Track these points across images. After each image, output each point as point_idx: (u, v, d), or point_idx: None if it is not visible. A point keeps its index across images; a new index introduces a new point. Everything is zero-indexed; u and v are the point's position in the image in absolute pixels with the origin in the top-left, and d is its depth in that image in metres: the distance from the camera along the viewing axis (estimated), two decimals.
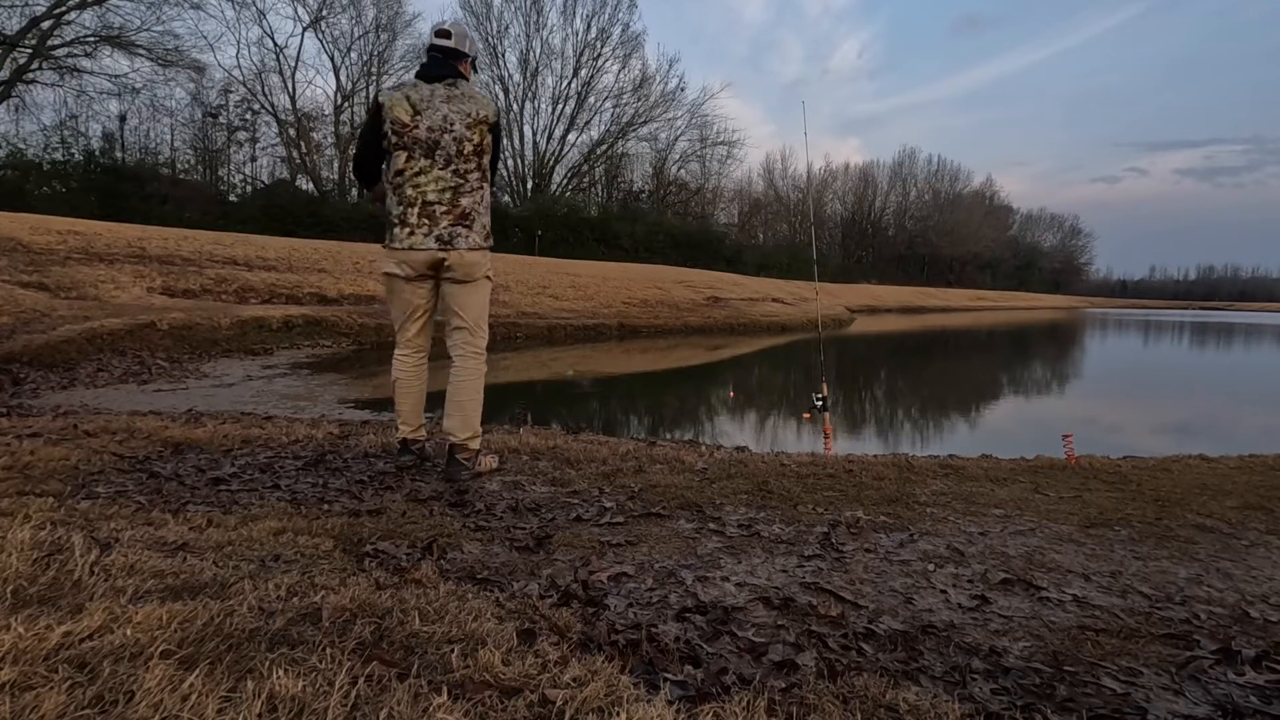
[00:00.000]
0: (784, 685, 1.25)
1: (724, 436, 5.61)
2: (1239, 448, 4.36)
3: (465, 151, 2.84)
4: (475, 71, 3.15)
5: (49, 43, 23.35)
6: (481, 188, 2.91)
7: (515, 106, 39.59)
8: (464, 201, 2.84)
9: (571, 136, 41.14)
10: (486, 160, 2.93)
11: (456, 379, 2.92)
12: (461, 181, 2.84)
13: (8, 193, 19.61)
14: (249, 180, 33.87)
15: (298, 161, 34.09)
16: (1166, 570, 2.03)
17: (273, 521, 2.04)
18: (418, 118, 2.81)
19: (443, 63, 2.91)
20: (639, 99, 41.47)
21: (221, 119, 32.06)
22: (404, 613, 1.32)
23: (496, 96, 38.75)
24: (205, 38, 36.72)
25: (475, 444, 2.89)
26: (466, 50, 2.99)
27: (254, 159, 34.57)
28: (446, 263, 2.83)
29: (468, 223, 2.85)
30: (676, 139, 44.07)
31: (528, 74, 39.47)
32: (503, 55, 38.89)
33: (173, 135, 30.87)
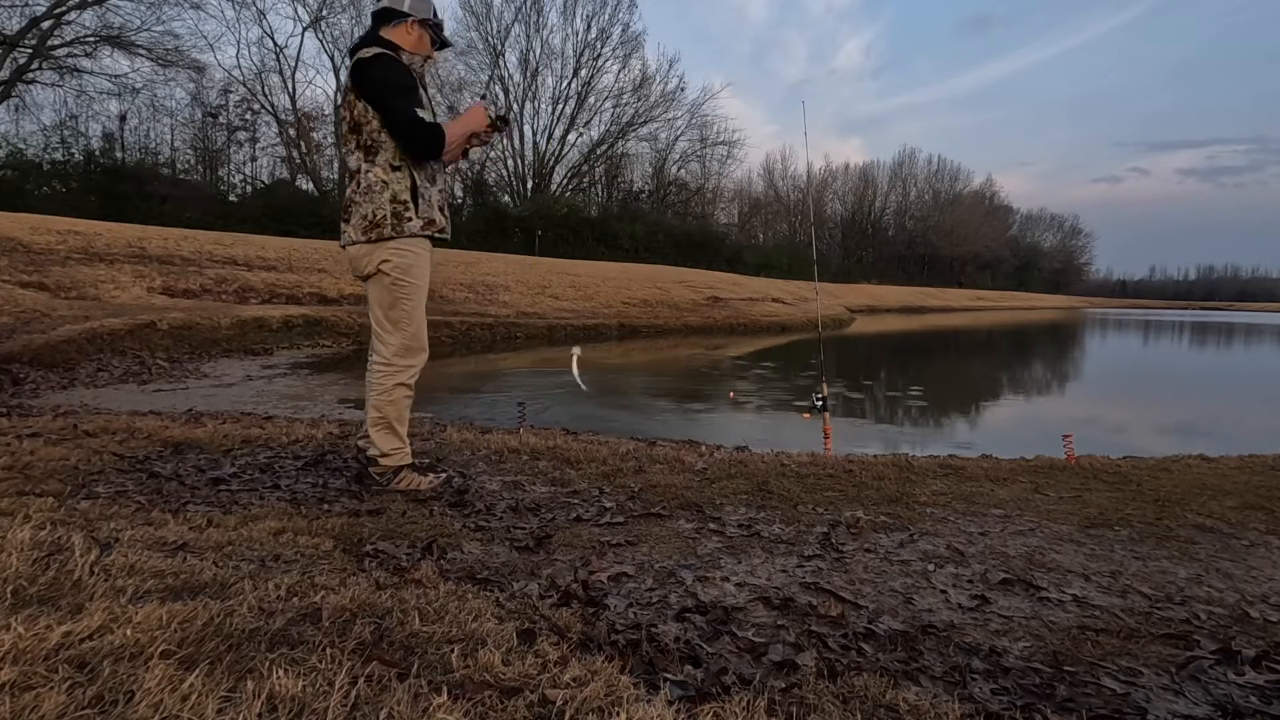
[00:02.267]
0: (784, 685, 1.25)
1: (724, 436, 5.61)
2: (1239, 448, 4.36)
3: (344, 133, 2.55)
4: (438, 43, 2.69)
5: (49, 43, 23.36)
6: (359, 170, 2.51)
7: (515, 106, 39.57)
8: (348, 193, 2.56)
9: (571, 136, 41.20)
10: (366, 134, 2.47)
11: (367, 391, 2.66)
12: (349, 171, 2.57)
13: (8, 193, 19.61)
14: (249, 180, 33.89)
15: (298, 161, 34.10)
16: (1166, 570, 2.03)
17: (273, 521, 2.04)
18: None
19: (364, 36, 2.59)
20: (639, 99, 41.56)
21: (221, 119, 32.07)
22: (404, 613, 1.32)
23: (497, 96, 38.75)
24: (205, 38, 36.73)
25: (388, 462, 2.58)
26: (402, 8, 2.55)
27: (254, 159, 34.59)
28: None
29: (346, 216, 2.56)
30: (676, 139, 44.17)
31: (528, 74, 39.51)
32: (502, 55, 38.96)
33: (173, 135, 30.90)
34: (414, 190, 2.53)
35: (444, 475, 2.71)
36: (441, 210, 2.63)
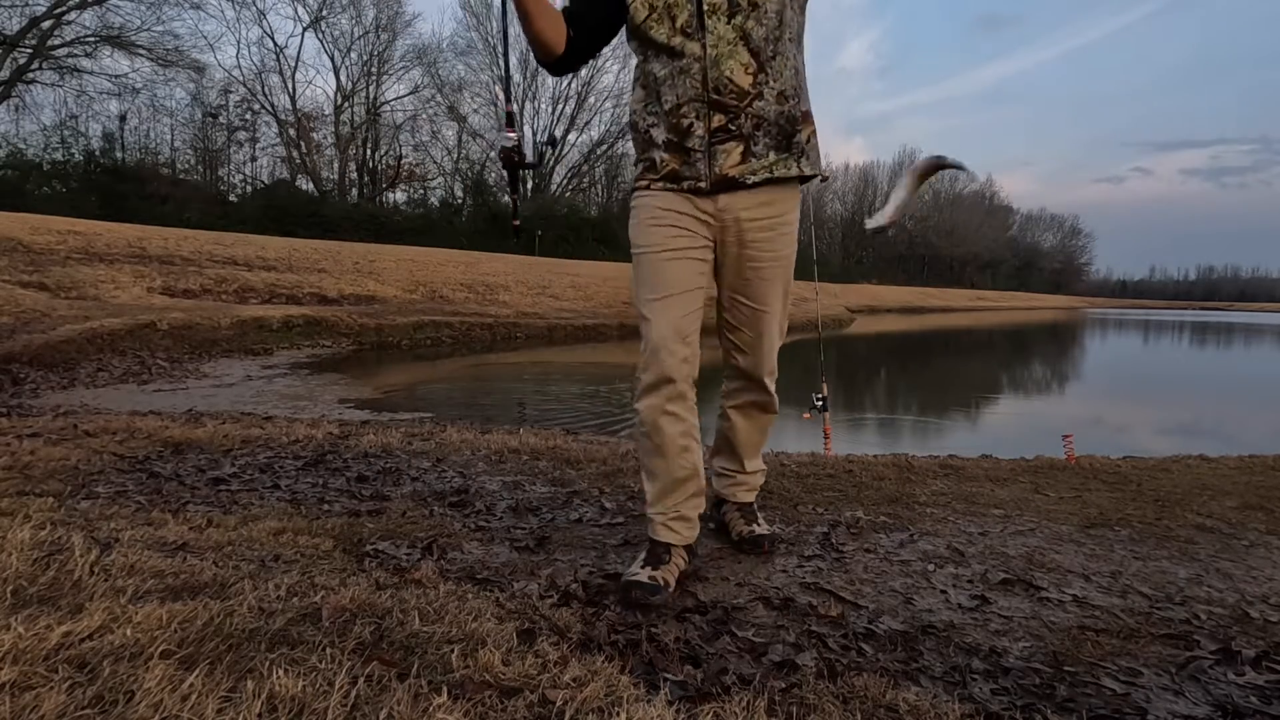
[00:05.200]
0: (784, 685, 1.25)
1: None
2: (1239, 448, 4.36)
3: None
4: None
5: (49, 43, 23.36)
6: None
7: (515, 106, 39.61)
8: None
9: (572, 136, 41.21)
10: None
11: None
12: None
13: (8, 193, 19.62)
14: (249, 180, 33.90)
15: (298, 161, 34.12)
16: (1166, 570, 2.03)
17: (273, 521, 2.04)
18: None
19: None
20: None
21: (221, 119, 32.11)
22: (404, 613, 1.32)
23: (496, 96, 38.78)
24: (205, 38, 36.87)
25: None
26: None
27: (254, 159, 34.62)
28: None
29: None
30: None
31: (528, 74, 39.45)
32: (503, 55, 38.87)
33: (173, 135, 30.92)
34: (631, 118, 1.78)
35: (660, 585, 1.64)
36: (674, 145, 1.67)
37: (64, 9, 22.87)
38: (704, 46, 1.61)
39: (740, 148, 1.66)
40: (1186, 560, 2.12)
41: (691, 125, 1.65)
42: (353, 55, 34.77)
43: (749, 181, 1.68)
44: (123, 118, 27.54)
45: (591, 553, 1.98)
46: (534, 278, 17.29)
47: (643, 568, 1.71)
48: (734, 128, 1.64)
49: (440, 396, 6.95)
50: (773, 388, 1.89)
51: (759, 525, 2.04)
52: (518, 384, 8.12)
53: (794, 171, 1.73)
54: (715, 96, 1.62)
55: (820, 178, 1.80)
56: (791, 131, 1.70)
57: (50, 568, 1.38)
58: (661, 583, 1.65)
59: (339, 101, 34.92)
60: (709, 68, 1.60)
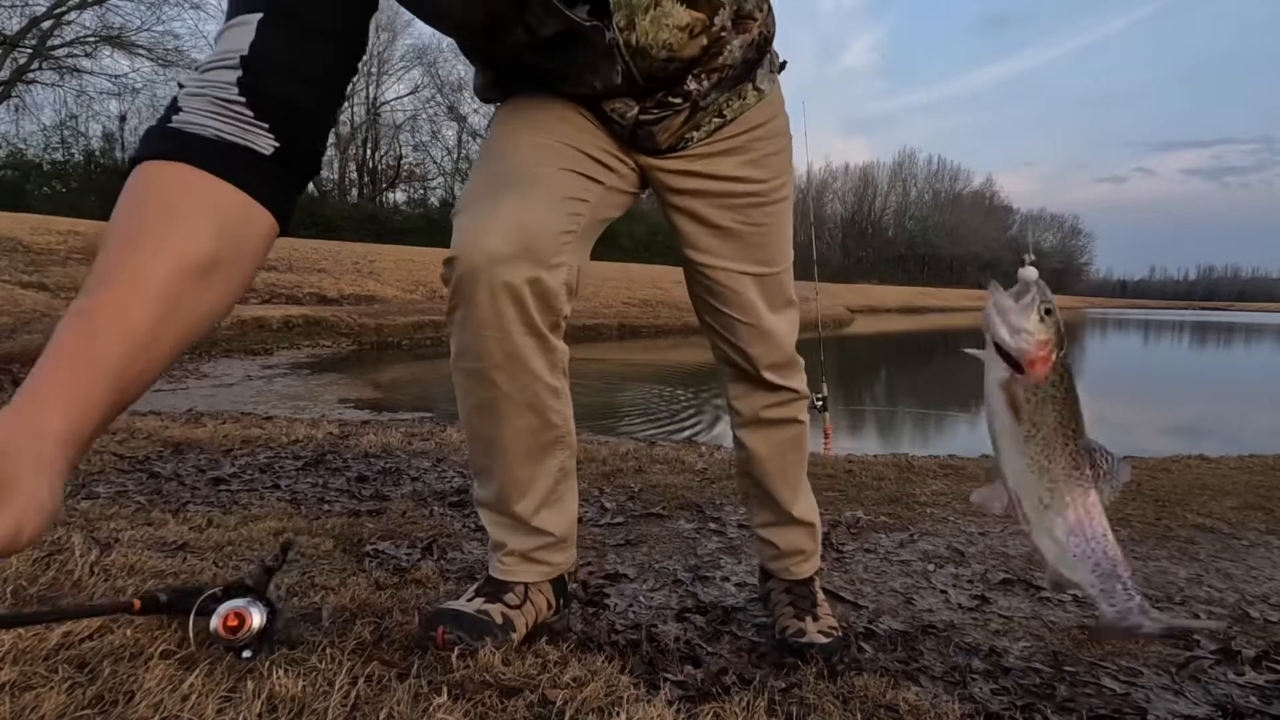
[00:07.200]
0: (784, 685, 1.25)
1: (724, 436, 5.61)
2: (1239, 448, 4.36)
3: None
4: None
5: (49, 43, 23.35)
6: None
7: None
8: None
9: None
10: None
11: None
12: None
13: (8, 193, 19.63)
14: None
15: None
16: (1166, 570, 2.03)
17: (273, 521, 2.04)
18: None
19: None
20: None
21: None
22: (404, 613, 1.32)
23: None
24: (205, 38, 36.71)
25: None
26: None
27: None
28: None
29: None
30: None
31: None
32: None
33: None
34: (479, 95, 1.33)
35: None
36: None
37: (64, 9, 22.88)
38: (611, 25, 0.98)
39: (683, 115, 1.14)
40: (1186, 560, 2.12)
41: (612, 116, 1.14)
42: None
43: (692, 140, 1.18)
44: (123, 118, 27.54)
45: (591, 553, 1.98)
46: None
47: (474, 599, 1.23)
48: (676, 99, 1.11)
49: (440, 396, 6.95)
50: (788, 382, 1.39)
51: (815, 621, 1.34)
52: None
53: (751, 100, 1.19)
54: (648, 84, 1.08)
55: (777, 68, 1.27)
56: (757, 59, 1.17)
57: (50, 568, 1.38)
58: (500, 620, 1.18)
59: None
60: (631, 59, 1.02)
